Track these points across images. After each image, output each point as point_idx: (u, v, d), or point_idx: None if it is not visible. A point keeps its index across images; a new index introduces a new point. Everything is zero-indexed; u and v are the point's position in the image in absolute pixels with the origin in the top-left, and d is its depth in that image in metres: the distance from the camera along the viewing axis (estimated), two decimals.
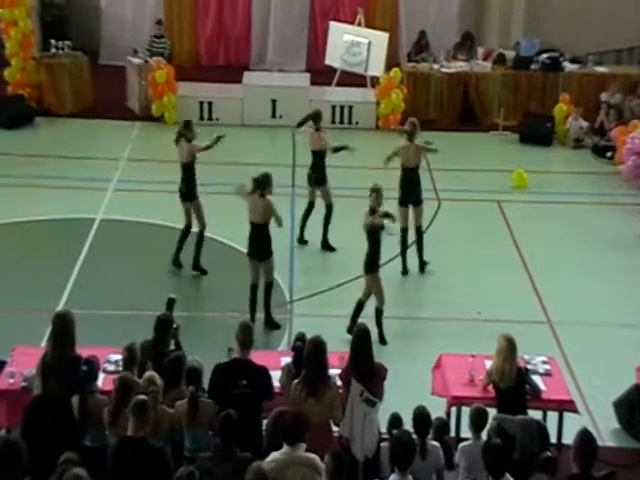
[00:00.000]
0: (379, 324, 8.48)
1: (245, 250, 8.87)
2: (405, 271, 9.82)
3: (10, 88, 14.14)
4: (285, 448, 5.28)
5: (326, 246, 10.36)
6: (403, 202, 9.74)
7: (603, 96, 14.29)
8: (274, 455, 5.28)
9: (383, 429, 6.02)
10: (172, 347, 6.70)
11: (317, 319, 8.67)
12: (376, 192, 8.38)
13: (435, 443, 5.75)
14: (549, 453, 5.63)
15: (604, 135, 13.82)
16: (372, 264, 8.41)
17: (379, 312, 8.48)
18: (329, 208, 10.27)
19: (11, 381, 6.72)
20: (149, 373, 5.84)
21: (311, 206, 10.36)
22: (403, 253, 9.83)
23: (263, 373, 6.09)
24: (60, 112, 14.13)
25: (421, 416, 5.81)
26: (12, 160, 12.52)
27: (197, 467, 5.30)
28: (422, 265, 9.90)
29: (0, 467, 4.55)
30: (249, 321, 6.24)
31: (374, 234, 8.32)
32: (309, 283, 9.57)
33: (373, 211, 8.34)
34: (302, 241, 10.41)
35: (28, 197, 11.48)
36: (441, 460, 5.77)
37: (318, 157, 10.18)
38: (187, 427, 5.83)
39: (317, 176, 10.21)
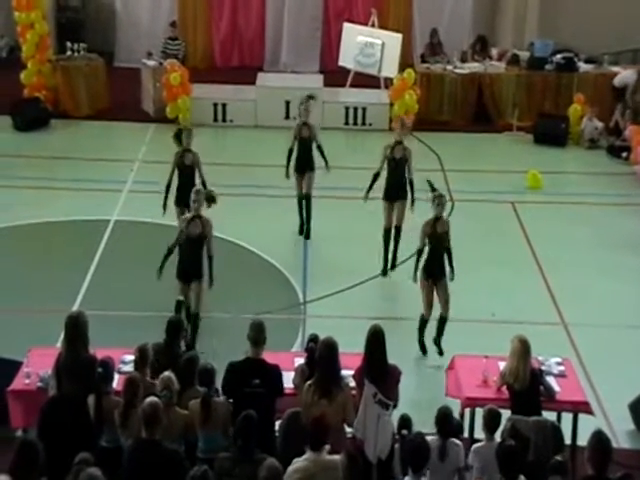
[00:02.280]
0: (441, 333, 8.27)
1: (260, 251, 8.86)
2: (384, 273, 9.68)
3: (26, 91, 14.24)
4: (309, 454, 5.28)
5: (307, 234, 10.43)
6: (386, 197, 9.59)
7: (616, 81, 14.14)
8: (299, 464, 5.27)
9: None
10: (183, 349, 6.74)
11: (330, 320, 8.67)
12: (438, 198, 8.24)
13: (457, 441, 5.68)
14: (559, 458, 5.59)
15: (619, 135, 13.75)
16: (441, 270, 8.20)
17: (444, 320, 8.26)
18: (308, 198, 10.28)
19: (27, 381, 6.77)
20: (166, 374, 5.84)
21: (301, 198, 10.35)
22: (385, 251, 9.67)
23: (276, 372, 6.10)
24: (76, 114, 14.21)
25: (444, 416, 5.80)
26: (28, 162, 12.62)
27: (217, 467, 5.32)
28: (393, 265, 9.73)
29: (18, 467, 4.59)
30: (260, 319, 6.25)
31: (436, 242, 8.14)
32: (322, 284, 9.58)
33: (436, 218, 8.20)
34: (306, 238, 10.48)
35: (44, 199, 11.55)
36: (462, 460, 5.74)
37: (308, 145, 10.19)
38: (200, 427, 5.84)
39: (306, 162, 10.18)
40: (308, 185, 10.27)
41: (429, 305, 8.29)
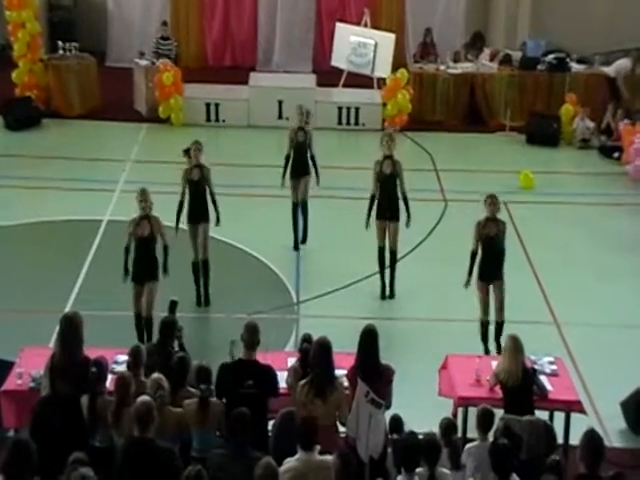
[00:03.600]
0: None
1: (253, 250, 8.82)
2: (383, 296, 9.31)
3: (18, 90, 14.19)
4: (300, 454, 5.28)
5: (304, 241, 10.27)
6: (378, 216, 9.12)
7: (611, 70, 14.13)
8: (290, 464, 5.26)
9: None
10: (176, 349, 6.73)
11: (324, 320, 8.68)
12: (491, 198, 8.03)
13: (446, 471, 5.56)
14: (556, 457, 5.60)
15: (611, 135, 13.80)
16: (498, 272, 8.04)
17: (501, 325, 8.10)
18: (304, 204, 10.12)
19: (19, 382, 6.75)
20: (156, 375, 5.85)
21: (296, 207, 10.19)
22: (381, 274, 9.26)
23: (269, 372, 6.10)
24: (67, 114, 14.18)
25: (446, 427, 5.80)
26: (20, 161, 12.57)
27: (210, 463, 5.33)
28: (391, 293, 9.31)
29: (11, 467, 4.58)
30: (255, 321, 6.25)
31: (489, 244, 7.99)
32: (315, 284, 9.58)
33: (488, 219, 8.00)
34: (302, 243, 10.31)
35: (35, 198, 11.52)
36: None
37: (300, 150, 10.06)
38: (196, 427, 5.84)
39: (301, 167, 10.05)
40: (304, 190, 10.10)
41: (485, 308, 8.17)
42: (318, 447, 5.29)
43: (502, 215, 8.40)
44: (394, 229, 9.15)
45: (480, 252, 8.11)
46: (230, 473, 5.19)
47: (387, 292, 9.37)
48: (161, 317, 7.08)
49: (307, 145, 10.07)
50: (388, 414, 6.03)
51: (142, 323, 8.08)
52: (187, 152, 9.34)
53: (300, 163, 10.07)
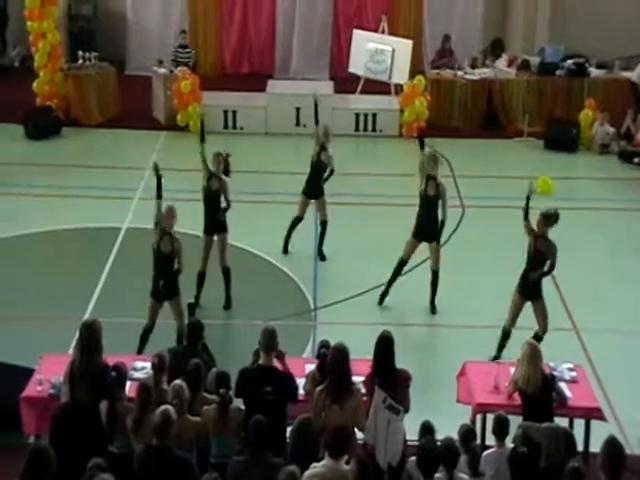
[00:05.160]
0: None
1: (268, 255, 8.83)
2: (381, 302, 9.30)
3: (38, 99, 14.33)
4: (327, 461, 5.28)
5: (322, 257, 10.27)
6: (415, 235, 9.10)
7: (635, 76, 14.06)
8: (317, 469, 5.27)
9: (411, 436, 5.99)
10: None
11: (341, 327, 8.67)
12: (548, 218, 7.96)
13: (465, 476, 5.57)
14: (575, 464, 5.55)
15: (631, 140, 13.71)
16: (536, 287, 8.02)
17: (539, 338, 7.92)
18: (324, 224, 10.14)
19: (39, 388, 6.80)
20: (177, 382, 5.85)
21: (299, 220, 10.21)
22: (391, 282, 9.26)
23: (288, 379, 6.11)
24: (87, 122, 14.30)
25: (465, 434, 5.78)
26: (40, 170, 12.68)
27: (229, 470, 5.33)
28: (433, 307, 9.29)
29: (29, 473, 4.61)
30: (272, 326, 6.26)
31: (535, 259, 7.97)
32: (332, 291, 9.58)
33: (537, 236, 7.94)
34: (286, 251, 10.31)
35: (55, 207, 11.61)
36: None
37: (320, 169, 10.00)
38: (215, 433, 5.84)
39: (317, 187, 10.01)
40: (323, 212, 10.12)
41: (513, 319, 8.13)
42: (346, 457, 5.29)
43: (520, 221, 8.33)
44: (435, 250, 9.15)
45: (525, 266, 8.08)
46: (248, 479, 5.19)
47: (383, 300, 9.34)
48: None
49: (327, 165, 10.00)
50: (414, 420, 6.00)
51: (148, 335, 8.08)
52: (216, 157, 9.16)
53: (317, 183, 10.05)
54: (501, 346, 8.22)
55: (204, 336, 6.83)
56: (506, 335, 8.21)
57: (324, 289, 9.68)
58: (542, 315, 8.07)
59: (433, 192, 8.98)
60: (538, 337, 7.96)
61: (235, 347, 8.11)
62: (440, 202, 8.99)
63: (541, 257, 8.05)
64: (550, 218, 8.03)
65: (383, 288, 9.39)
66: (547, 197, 12.09)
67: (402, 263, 9.25)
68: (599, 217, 11.63)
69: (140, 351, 7.95)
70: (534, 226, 8.10)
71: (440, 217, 9.04)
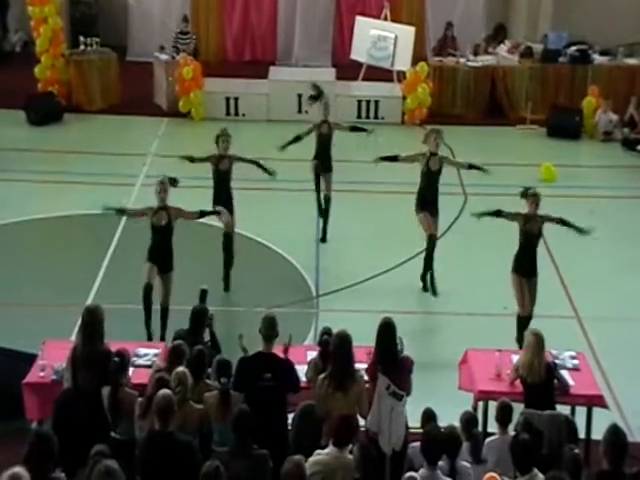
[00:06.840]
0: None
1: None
2: (426, 289, 9.36)
3: (40, 85, 14.30)
4: (331, 449, 5.29)
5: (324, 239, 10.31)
6: (423, 208, 9.22)
7: None
8: (321, 457, 5.28)
9: (412, 423, 6.00)
10: (207, 338, 6.77)
11: (343, 314, 8.67)
12: (533, 197, 8.03)
13: (467, 464, 5.58)
14: (576, 450, 5.56)
15: (634, 128, 13.66)
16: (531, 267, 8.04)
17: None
18: (328, 200, 10.17)
19: (42, 374, 6.81)
20: (180, 369, 5.83)
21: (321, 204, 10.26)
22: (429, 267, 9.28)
23: (287, 366, 6.11)
24: (89, 108, 14.27)
25: (467, 421, 5.79)
26: (41, 156, 12.67)
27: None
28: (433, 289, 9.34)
29: (32, 458, 4.62)
30: (273, 314, 6.25)
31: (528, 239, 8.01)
32: (335, 279, 9.57)
33: (530, 216, 8.00)
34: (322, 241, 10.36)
35: (57, 193, 11.60)
36: None
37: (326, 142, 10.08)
38: (218, 420, 5.84)
39: (323, 162, 10.09)
40: (327, 187, 10.15)
41: (521, 301, 8.10)
42: (350, 446, 5.30)
43: (523, 208, 8.32)
44: (434, 222, 9.29)
45: (520, 247, 8.11)
46: (233, 471, 5.19)
47: (434, 288, 9.34)
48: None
49: (330, 137, 10.06)
50: (416, 407, 5.99)
51: (151, 295, 8.08)
52: (217, 141, 9.24)
53: (325, 157, 10.05)
54: (521, 334, 8.11)
55: (212, 323, 6.83)
56: (525, 320, 8.01)
57: (326, 276, 9.68)
58: (533, 297, 8.06)
59: (436, 167, 9.13)
60: (525, 320, 7.94)
61: (237, 334, 8.09)
62: (445, 170, 9.16)
63: (533, 238, 8.06)
64: (538, 196, 8.07)
65: (428, 277, 9.29)
66: (550, 184, 12.09)
67: (432, 238, 9.24)
68: (602, 204, 11.61)
69: (147, 319, 8.04)
70: (520, 210, 8.09)
71: (466, 166, 9.37)
